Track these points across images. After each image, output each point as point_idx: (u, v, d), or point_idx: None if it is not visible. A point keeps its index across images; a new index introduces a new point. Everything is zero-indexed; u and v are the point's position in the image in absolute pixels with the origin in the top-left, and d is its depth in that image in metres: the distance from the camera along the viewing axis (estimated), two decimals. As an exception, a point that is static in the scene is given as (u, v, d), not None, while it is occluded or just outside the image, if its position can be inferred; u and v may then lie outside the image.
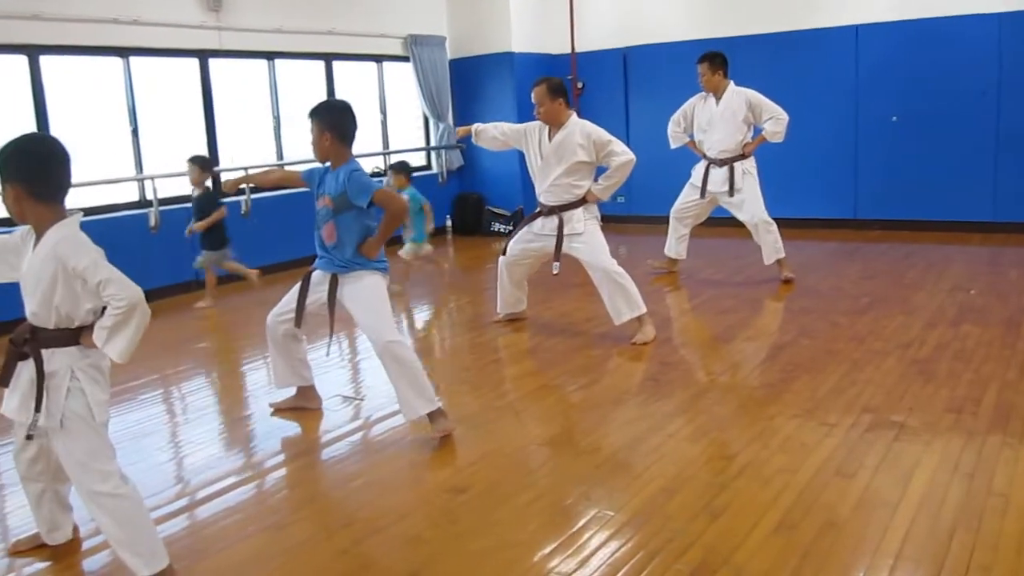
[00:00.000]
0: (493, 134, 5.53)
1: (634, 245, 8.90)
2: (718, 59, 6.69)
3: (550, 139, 5.26)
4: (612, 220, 8.98)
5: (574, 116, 5.26)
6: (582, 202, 5.28)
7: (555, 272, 5.25)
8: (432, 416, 3.87)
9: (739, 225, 9.34)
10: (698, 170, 6.94)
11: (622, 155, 5.16)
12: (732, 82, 6.73)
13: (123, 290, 2.49)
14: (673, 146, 7.14)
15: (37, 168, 2.55)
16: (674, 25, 9.66)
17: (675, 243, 7.20)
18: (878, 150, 8.84)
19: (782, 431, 3.72)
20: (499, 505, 3.19)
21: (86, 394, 2.59)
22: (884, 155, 8.82)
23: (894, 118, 8.68)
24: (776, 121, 6.53)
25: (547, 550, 2.83)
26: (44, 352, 2.58)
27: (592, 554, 2.77)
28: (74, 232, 2.58)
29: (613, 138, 5.18)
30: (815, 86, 8.92)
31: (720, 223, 9.40)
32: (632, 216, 10.05)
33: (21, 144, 2.58)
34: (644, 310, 5.24)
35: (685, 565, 2.66)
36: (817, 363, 4.65)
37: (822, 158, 9.03)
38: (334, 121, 3.86)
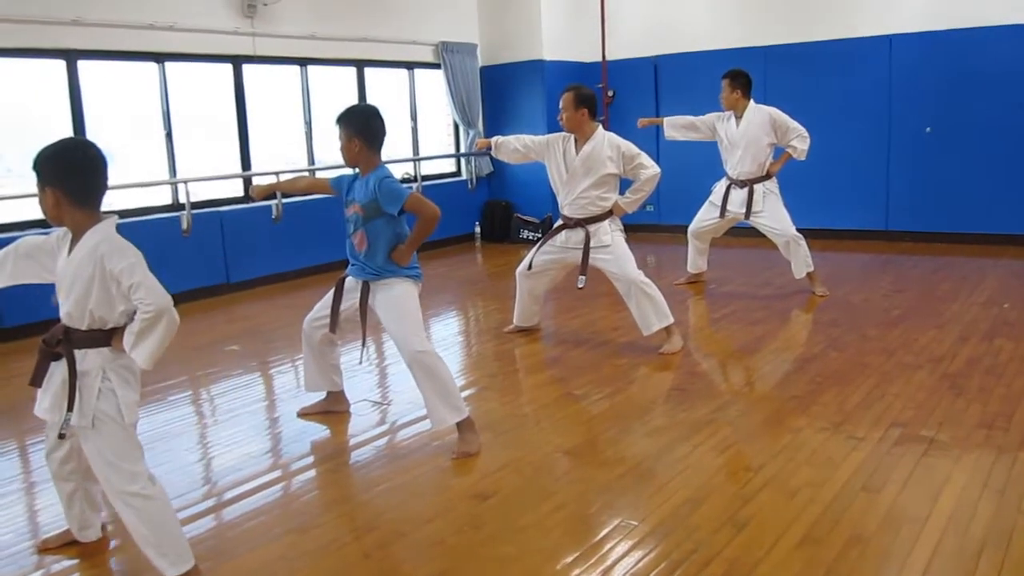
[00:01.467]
0: (515, 146, 5.50)
1: (662, 255, 8.89)
2: (741, 78, 6.53)
3: (577, 151, 5.24)
4: (641, 230, 9.00)
5: (600, 128, 5.23)
6: (608, 214, 5.27)
7: (580, 286, 5.23)
8: (460, 427, 3.86)
9: (766, 236, 9.31)
10: (719, 189, 6.86)
11: (650, 168, 5.15)
12: (752, 100, 6.60)
13: (152, 296, 2.52)
14: (668, 135, 7.11)
15: (76, 173, 2.61)
16: (706, 34, 9.64)
17: (696, 258, 7.19)
18: (911, 161, 8.76)
19: (809, 444, 3.69)
20: (523, 512, 3.19)
21: (117, 395, 2.64)
22: (917, 166, 8.73)
23: (928, 129, 8.60)
24: (802, 139, 6.46)
25: (570, 558, 2.83)
26: (77, 353, 2.63)
27: (615, 563, 2.77)
28: (113, 234, 2.63)
29: (641, 151, 5.17)
30: (847, 96, 8.88)
31: (751, 234, 9.37)
32: (661, 226, 10.03)
33: (60, 149, 2.63)
34: (672, 320, 5.22)
35: (708, 577, 2.65)
36: (846, 376, 4.61)
37: (854, 169, 8.96)
38: (362, 126, 3.84)
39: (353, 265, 4.02)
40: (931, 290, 6.64)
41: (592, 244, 5.23)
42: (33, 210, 6.57)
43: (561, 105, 5.21)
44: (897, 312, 5.95)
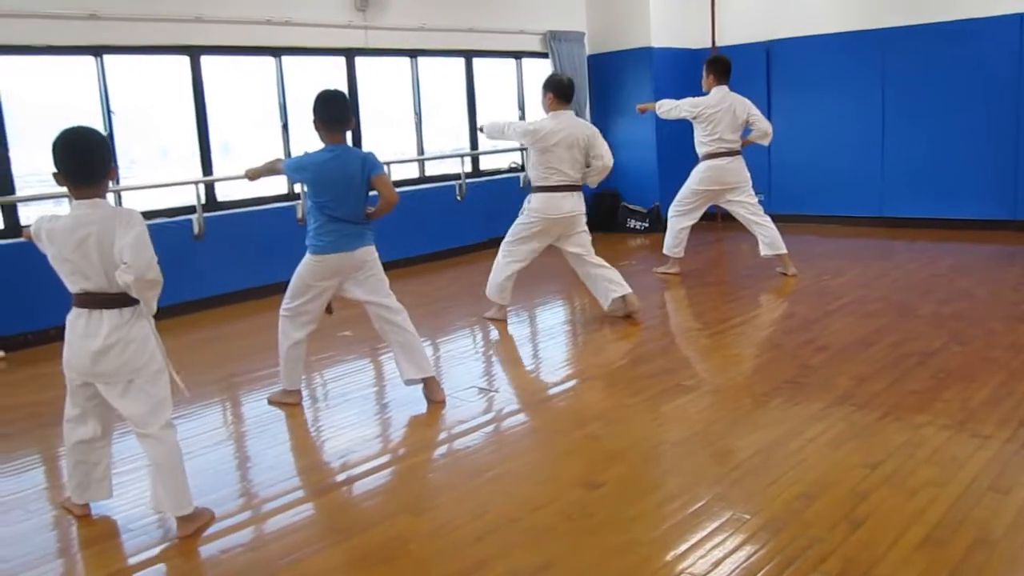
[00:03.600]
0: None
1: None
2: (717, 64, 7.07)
3: None
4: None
5: None
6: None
7: None
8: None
9: (885, 225, 8.99)
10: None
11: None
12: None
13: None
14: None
15: (69, 156, 2.99)
16: (822, 17, 9.33)
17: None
18: (1042, 147, 8.30)
19: (930, 441, 3.56)
20: (633, 502, 3.19)
21: (150, 346, 3.11)
22: (1049, 152, 8.27)
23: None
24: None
25: (680, 550, 2.81)
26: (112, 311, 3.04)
27: (725, 557, 2.74)
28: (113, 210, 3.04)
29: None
30: (972, 79, 8.44)
31: (872, 223, 9.07)
32: (772, 215, 9.75)
33: (61, 135, 3.00)
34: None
35: (823, 575, 2.59)
36: (970, 371, 4.42)
37: (978, 155, 8.52)
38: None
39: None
40: (1064, 283, 6.29)
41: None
42: (158, 199, 6.92)
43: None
44: (1026, 306, 5.67)
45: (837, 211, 9.43)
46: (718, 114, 6.88)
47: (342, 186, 4.20)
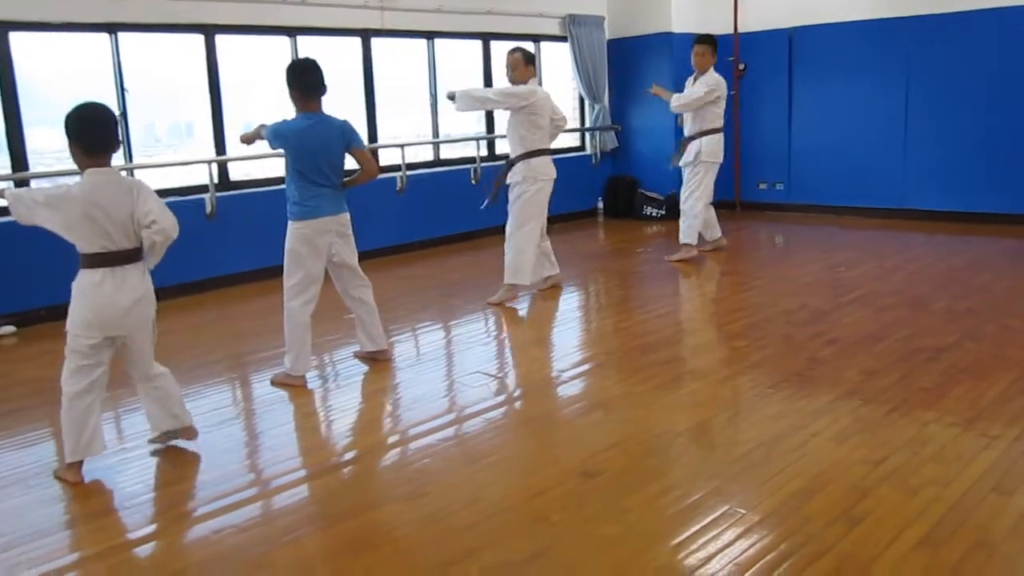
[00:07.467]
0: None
1: (791, 234, 8.60)
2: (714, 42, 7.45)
3: None
4: (770, 208, 8.74)
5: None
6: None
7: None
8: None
9: (905, 218, 8.87)
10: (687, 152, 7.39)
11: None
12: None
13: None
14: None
15: (86, 128, 3.26)
16: (846, 4, 9.15)
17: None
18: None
19: (936, 439, 3.50)
20: (630, 493, 3.15)
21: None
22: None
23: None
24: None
25: (674, 542, 2.78)
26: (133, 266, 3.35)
27: (720, 551, 2.70)
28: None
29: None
30: (999, 71, 8.26)
31: (885, 215, 8.95)
32: (790, 204, 9.69)
33: (75, 109, 3.26)
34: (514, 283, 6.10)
35: (817, 572, 2.55)
36: (982, 368, 4.34)
37: (1002, 149, 8.35)
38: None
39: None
40: (1085, 280, 6.17)
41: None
42: (181, 177, 6.93)
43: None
44: (1044, 302, 5.56)
45: (857, 202, 9.28)
46: (722, 89, 7.23)
47: (323, 152, 4.36)
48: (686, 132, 7.36)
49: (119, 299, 3.31)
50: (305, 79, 4.36)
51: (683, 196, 7.35)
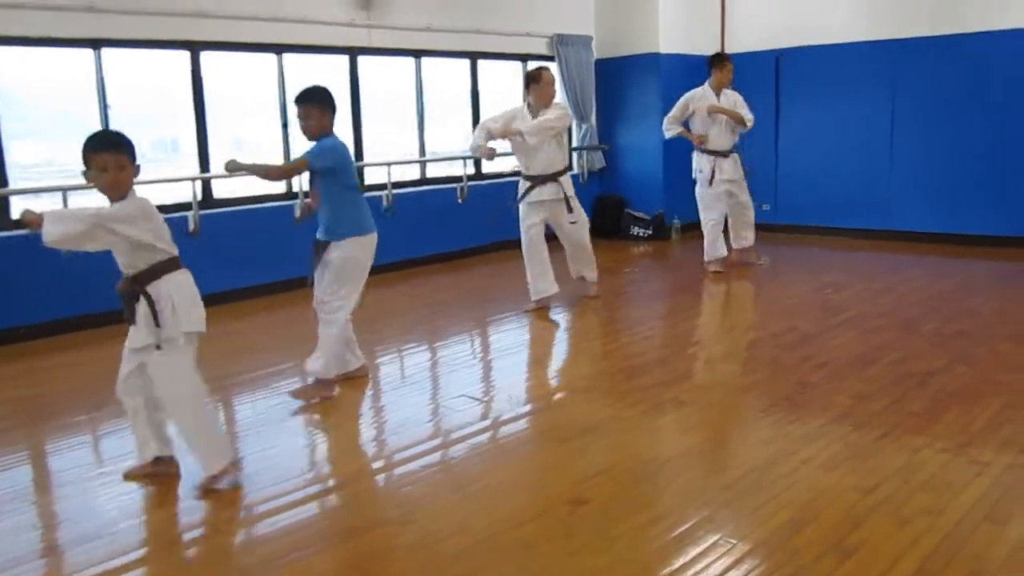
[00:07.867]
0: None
1: (778, 255, 8.59)
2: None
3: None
4: (756, 229, 8.66)
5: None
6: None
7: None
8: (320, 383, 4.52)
9: (893, 239, 8.87)
10: (706, 168, 7.55)
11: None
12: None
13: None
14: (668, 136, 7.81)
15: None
16: (833, 26, 9.20)
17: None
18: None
19: (927, 466, 3.46)
20: (618, 521, 3.09)
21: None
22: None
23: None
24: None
25: (663, 573, 2.72)
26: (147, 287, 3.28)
27: (710, 583, 2.64)
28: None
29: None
30: (984, 93, 8.32)
31: (877, 236, 8.96)
32: (777, 225, 9.69)
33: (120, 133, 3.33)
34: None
35: (810, 606, 2.50)
36: (973, 393, 4.32)
37: (989, 170, 8.39)
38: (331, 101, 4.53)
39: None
40: (1072, 303, 6.17)
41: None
42: (165, 194, 6.86)
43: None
44: (1033, 326, 5.55)
45: (844, 223, 9.31)
46: None
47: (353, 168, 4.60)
48: (727, 146, 7.57)
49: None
50: (333, 102, 4.54)
51: (751, 204, 7.78)
